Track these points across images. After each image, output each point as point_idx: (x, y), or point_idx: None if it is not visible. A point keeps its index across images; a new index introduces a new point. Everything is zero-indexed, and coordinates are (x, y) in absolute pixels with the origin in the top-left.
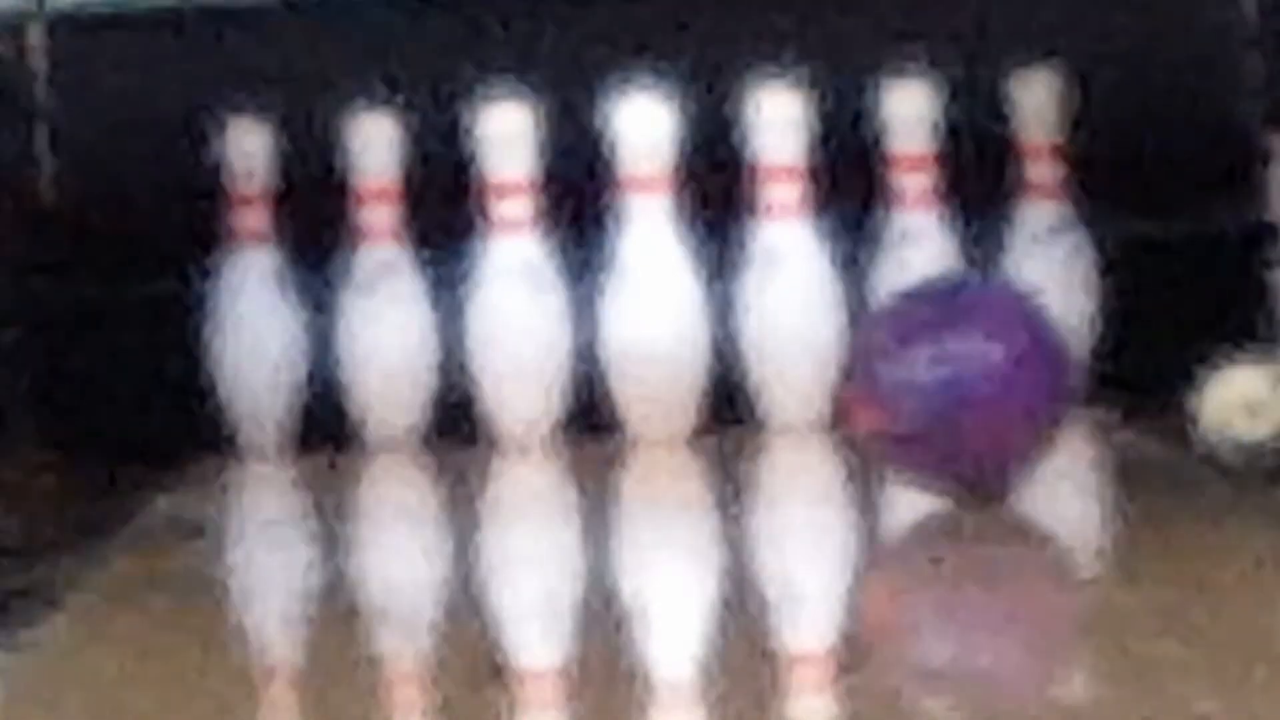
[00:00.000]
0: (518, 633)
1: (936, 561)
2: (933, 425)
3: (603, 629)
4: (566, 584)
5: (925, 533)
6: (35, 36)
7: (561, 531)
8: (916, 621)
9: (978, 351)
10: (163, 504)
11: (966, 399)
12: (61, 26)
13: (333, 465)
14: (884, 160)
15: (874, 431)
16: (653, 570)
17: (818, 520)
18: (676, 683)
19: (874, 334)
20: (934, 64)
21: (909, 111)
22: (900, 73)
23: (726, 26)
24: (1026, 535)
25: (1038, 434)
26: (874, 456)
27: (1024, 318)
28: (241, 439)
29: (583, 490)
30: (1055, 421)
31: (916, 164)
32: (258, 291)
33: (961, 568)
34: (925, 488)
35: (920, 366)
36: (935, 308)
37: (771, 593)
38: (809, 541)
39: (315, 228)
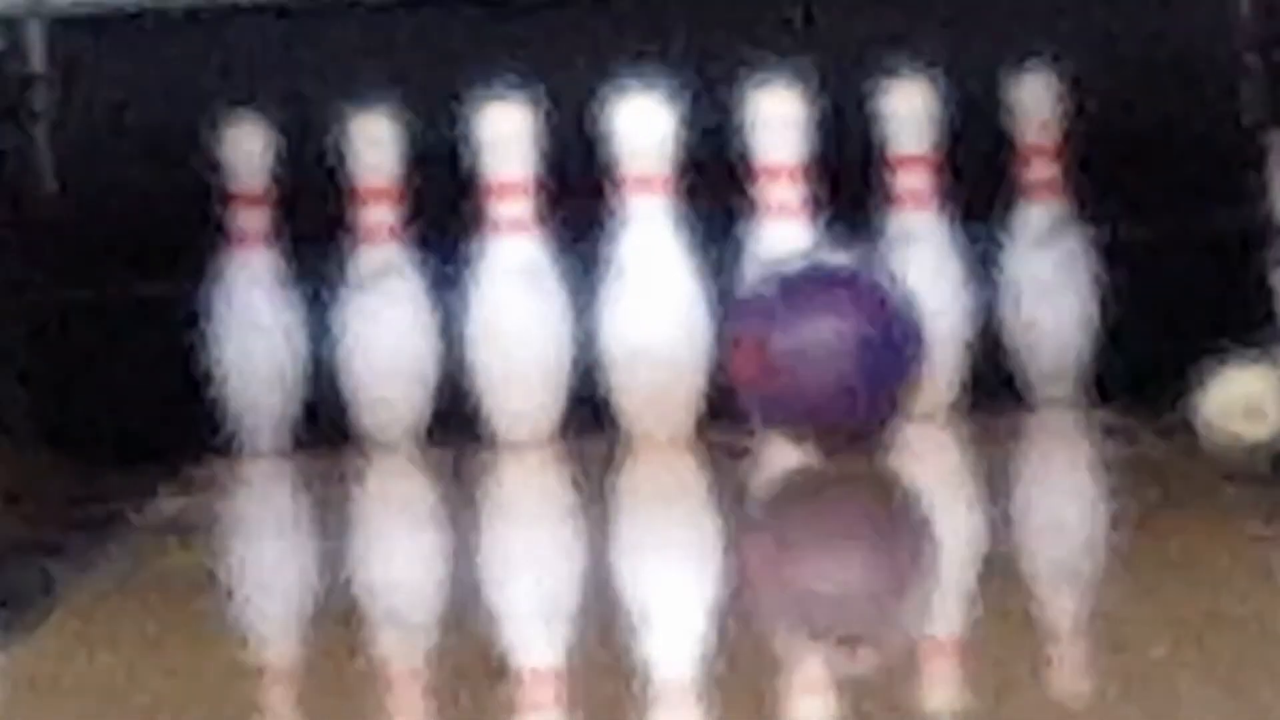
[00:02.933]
0: (518, 632)
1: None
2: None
3: (602, 628)
4: (566, 583)
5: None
6: (35, 36)
7: (561, 531)
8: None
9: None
10: (163, 504)
11: (840, 367)
12: (61, 26)
13: (333, 465)
14: (884, 160)
15: (752, 385)
16: (652, 570)
17: (823, 519)
18: (675, 681)
19: (764, 300)
20: (934, 64)
21: (909, 111)
22: (900, 73)
23: (726, 26)
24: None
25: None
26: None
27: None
28: (241, 438)
29: (582, 490)
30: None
31: (916, 164)
32: (258, 291)
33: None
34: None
35: (807, 334)
36: (809, 283)
37: (768, 592)
38: (810, 541)
39: (315, 228)
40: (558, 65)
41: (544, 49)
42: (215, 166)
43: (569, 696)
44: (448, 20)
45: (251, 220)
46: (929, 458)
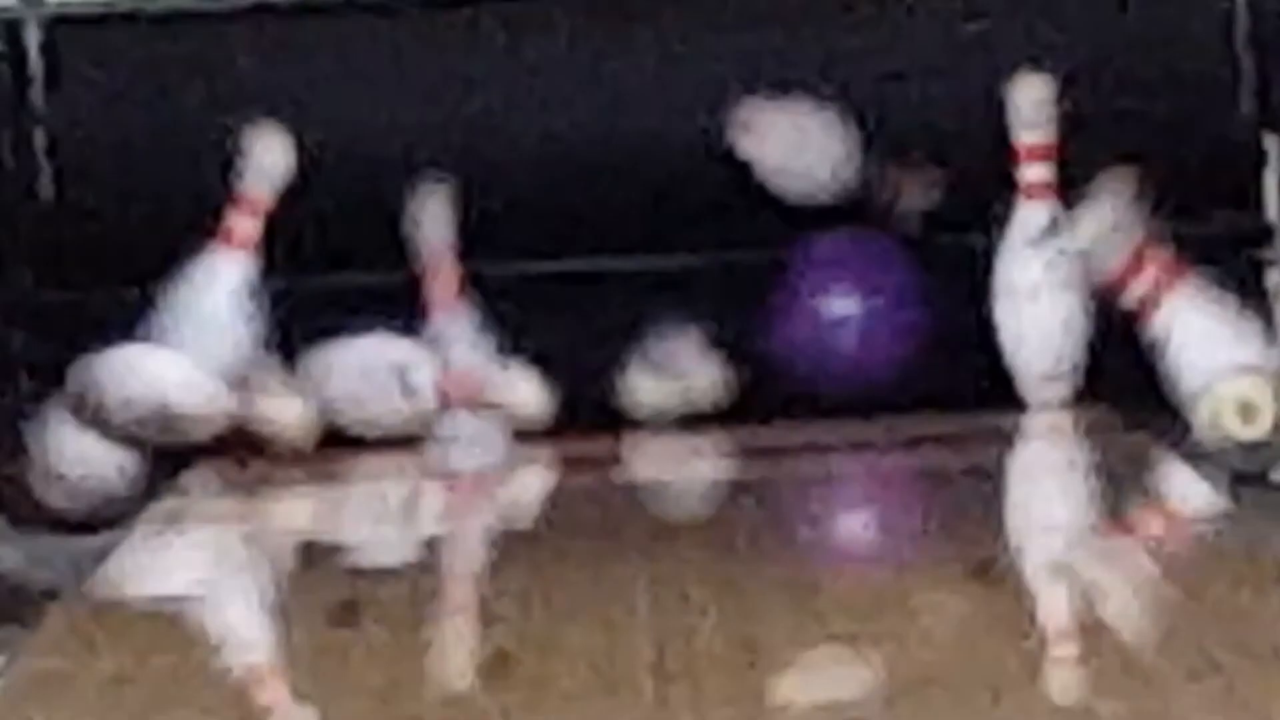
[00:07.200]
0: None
1: None
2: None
3: None
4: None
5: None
6: (34, 37)
7: None
8: None
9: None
10: (163, 504)
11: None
12: (61, 26)
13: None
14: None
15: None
16: None
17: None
18: None
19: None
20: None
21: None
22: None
23: None
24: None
25: None
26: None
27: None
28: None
29: None
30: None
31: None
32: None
33: None
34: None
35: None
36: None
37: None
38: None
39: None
40: None
41: None
42: (214, 166)
43: None
44: None
45: None
46: (928, 454)
